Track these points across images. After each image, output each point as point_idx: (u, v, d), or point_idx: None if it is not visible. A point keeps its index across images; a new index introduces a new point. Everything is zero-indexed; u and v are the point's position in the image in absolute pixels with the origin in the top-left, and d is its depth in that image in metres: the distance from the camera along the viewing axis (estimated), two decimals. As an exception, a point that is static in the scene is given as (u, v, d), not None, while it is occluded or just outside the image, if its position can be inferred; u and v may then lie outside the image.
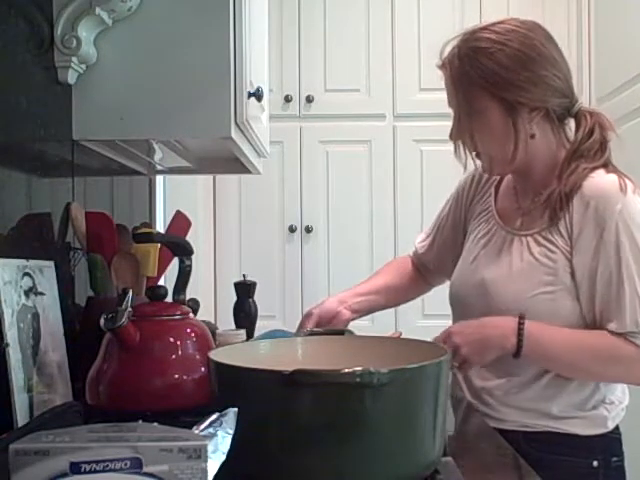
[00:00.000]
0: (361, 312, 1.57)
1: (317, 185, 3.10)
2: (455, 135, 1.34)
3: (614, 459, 1.32)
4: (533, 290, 1.27)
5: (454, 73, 1.32)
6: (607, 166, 1.29)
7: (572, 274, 1.26)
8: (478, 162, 1.37)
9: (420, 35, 3.08)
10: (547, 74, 1.27)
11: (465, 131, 1.32)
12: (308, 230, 3.08)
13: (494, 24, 1.32)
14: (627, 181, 1.26)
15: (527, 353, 1.23)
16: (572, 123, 1.34)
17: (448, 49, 1.34)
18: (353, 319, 1.55)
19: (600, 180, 1.25)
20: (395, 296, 1.64)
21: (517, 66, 1.26)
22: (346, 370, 0.76)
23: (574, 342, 1.25)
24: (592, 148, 1.29)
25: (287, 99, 3.07)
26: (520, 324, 1.23)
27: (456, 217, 1.55)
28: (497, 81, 1.26)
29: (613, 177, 1.26)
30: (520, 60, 1.26)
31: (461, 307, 1.43)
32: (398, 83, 3.09)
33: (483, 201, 1.48)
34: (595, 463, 1.29)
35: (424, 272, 1.66)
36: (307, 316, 1.50)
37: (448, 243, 1.56)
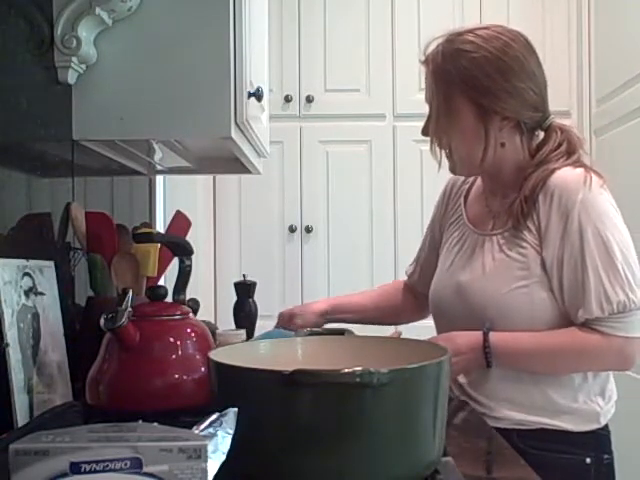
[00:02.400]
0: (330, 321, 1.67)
1: (317, 185, 3.10)
2: (429, 131, 1.37)
3: (605, 457, 1.34)
4: (508, 286, 1.30)
5: (436, 69, 1.33)
6: (575, 163, 1.33)
7: (543, 266, 1.29)
8: (447, 162, 1.42)
9: (420, 35, 3.08)
10: (524, 87, 1.31)
11: (439, 128, 1.34)
12: (308, 230, 3.08)
13: (479, 28, 1.34)
14: (593, 175, 1.29)
15: (499, 364, 1.30)
16: (541, 134, 1.38)
17: (432, 47, 1.36)
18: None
19: (564, 174, 1.29)
20: (381, 315, 1.73)
21: (497, 75, 1.29)
22: (346, 370, 0.75)
23: (542, 345, 1.28)
24: (558, 155, 1.33)
25: (287, 99, 3.07)
26: (485, 340, 1.28)
27: (434, 234, 1.59)
28: (476, 85, 1.30)
29: (579, 171, 1.29)
30: (500, 69, 1.30)
31: (441, 313, 1.45)
32: (398, 83, 3.10)
33: (454, 211, 1.52)
34: (588, 460, 1.31)
35: (417, 296, 1.68)
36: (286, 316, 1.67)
37: (430, 261, 1.58)
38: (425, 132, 1.39)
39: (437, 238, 1.57)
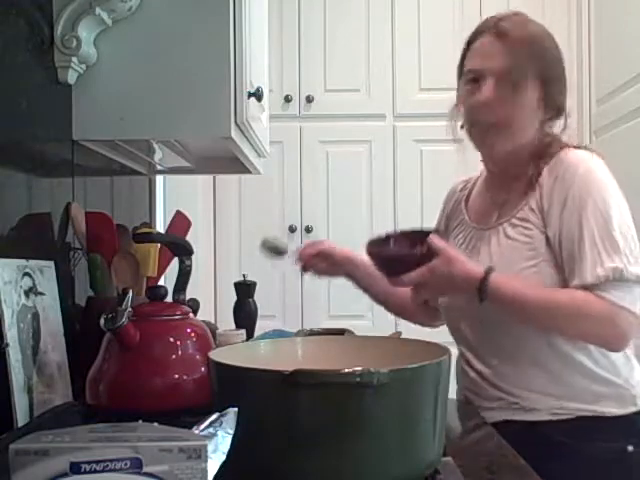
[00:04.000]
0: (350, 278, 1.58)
1: (317, 185, 3.10)
2: (484, 97, 1.31)
3: None
4: (518, 265, 1.29)
5: (515, 40, 1.32)
6: (580, 147, 1.35)
7: (548, 244, 1.29)
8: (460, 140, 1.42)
9: (420, 35, 3.08)
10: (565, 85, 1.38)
11: (500, 98, 1.31)
12: (308, 230, 3.08)
13: (531, 20, 1.38)
14: (596, 157, 1.31)
15: (492, 300, 1.23)
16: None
17: (507, 21, 1.35)
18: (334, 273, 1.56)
19: (568, 154, 1.31)
20: (390, 294, 1.59)
21: (563, 67, 1.36)
22: (346, 370, 0.76)
23: (541, 295, 1.25)
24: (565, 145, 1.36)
25: (287, 99, 3.07)
26: (487, 272, 1.23)
27: None
28: (550, 70, 1.33)
29: (582, 152, 1.31)
30: (564, 63, 1.37)
31: (453, 310, 1.43)
32: (398, 83, 3.09)
33: (455, 217, 1.52)
34: (630, 447, 1.27)
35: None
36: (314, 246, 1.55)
37: None
38: (479, 101, 1.32)
39: None
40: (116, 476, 0.54)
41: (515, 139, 1.34)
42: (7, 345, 1.02)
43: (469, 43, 1.37)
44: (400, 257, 1.28)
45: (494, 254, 1.34)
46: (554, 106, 1.35)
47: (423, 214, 2.99)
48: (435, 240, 1.24)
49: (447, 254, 1.22)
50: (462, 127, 1.40)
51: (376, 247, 1.33)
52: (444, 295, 1.36)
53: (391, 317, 3.07)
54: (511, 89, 1.30)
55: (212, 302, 3.01)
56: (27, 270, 1.13)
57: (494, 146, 1.36)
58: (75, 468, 0.54)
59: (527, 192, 1.32)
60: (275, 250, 1.55)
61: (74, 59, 1.32)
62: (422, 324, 1.66)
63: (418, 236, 1.28)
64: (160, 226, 2.14)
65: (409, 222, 3.02)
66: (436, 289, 1.27)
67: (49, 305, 1.19)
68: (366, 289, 1.59)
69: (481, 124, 1.34)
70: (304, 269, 1.54)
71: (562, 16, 3.10)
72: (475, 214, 1.47)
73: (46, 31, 1.30)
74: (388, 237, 1.35)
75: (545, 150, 1.33)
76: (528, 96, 1.31)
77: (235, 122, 1.41)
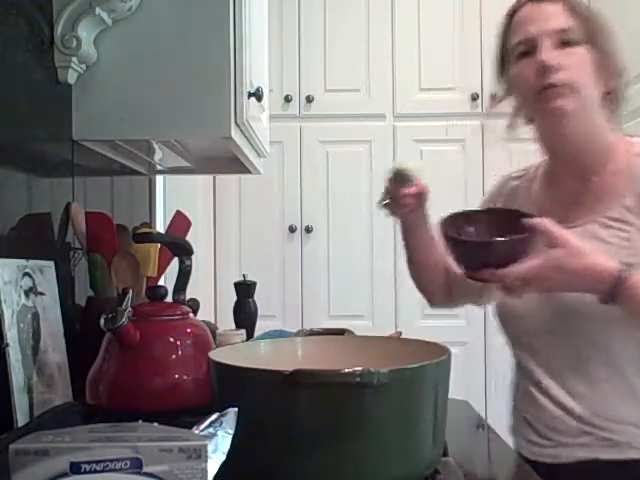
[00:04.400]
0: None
1: (317, 185, 3.10)
2: (547, 59, 1.15)
3: None
4: None
5: (569, 2, 1.20)
6: None
7: None
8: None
9: (420, 35, 3.08)
10: None
11: (562, 57, 1.15)
12: (308, 230, 3.08)
13: None
14: None
15: (628, 299, 1.03)
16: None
17: None
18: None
19: None
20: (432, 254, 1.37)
21: (615, 51, 1.24)
22: (346, 370, 0.75)
23: None
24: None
25: (287, 99, 3.07)
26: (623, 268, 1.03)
27: None
28: (605, 41, 1.21)
29: None
30: (615, 50, 1.25)
31: (529, 320, 1.20)
32: (398, 83, 3.09)
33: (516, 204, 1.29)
34: None
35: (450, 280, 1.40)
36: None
37: None
38: (539, 60, 1.15)
39: None
40: (116, 476, 0.54)
41: (587, 107, 1.16)
42: (7, 345, 1.02)
43: (510, 17, 1.23)
44: (499, 245, 1.02)
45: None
46: (609, 84, 1.20)
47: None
48: (550, 225, 1.04)
49: (574, 244, 1.03)
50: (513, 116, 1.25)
51: (455, 229, 1.10)
52: (555, 292, 1.12)
53: (391, 317, 3.09)
54: (572, 51, 1.16)
55: (212, 302, 3.01)
56: (27, 270, 1.13)
57: (566, 111, 1.14)
58: (75, 468, 0.54)
59: (617, 188, 1.15)
60: (402, 179, 1.27)
61: (74, 59, 1.32)
62: (439, 306, 1.49)
63: (506, 217, 1.10)
64: (160, 226, 2.14)
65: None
66: (550, 286, 1.06)
67: (49, 305, 1.19)
68: (416, 247, 1.37)
69: (548, 92, 1.14)
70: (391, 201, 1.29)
71: (562, 16, 3.09)
72: (542, 211, 1.21)
73: (46, 31, 1.29)
74: (466, 216, 1.14)
75: (621, 141, 1.21)
76: (588, 60, 1.17)
77: (235, 122, 1.41)
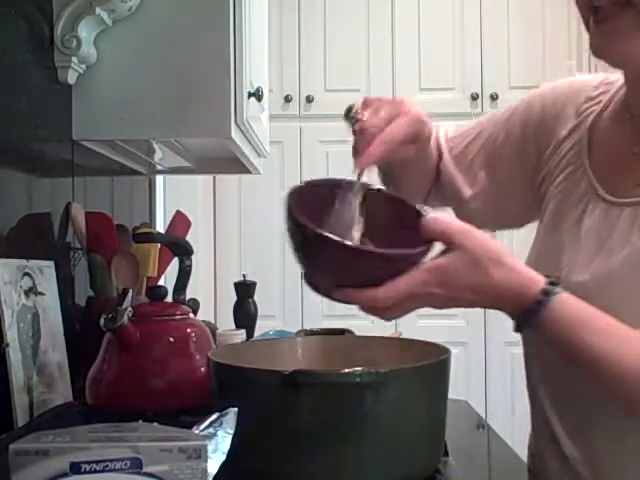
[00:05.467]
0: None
1: (317, 185, 3.10)
2: None
3: None
4: None
5: None
6: None
7: None
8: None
9: (420, 35, 3.08)
10: None
11: None
12: (308, 230, 3.07)
13: None
14: None
15: (544, 331, 0.76)
16: None
17: None
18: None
19: None
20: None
21: None
22: (346, 370, 0.76)
23: (616, 339, 0.75)
24: None
25: (287, 99, 3.07)
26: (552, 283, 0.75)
27: (525, 146, 0.97)
28: None
29: None
30: None
31: (536, 361, 0.95)
32: (398, 83, 3.09)
33: (567, 152, 0.92)
34: None
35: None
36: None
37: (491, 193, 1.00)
38: None
39: (529, 160, 0.97)
40: (116, 476, 0.54)
41: None
42: (7, 345, 1.02)
43: None
44: (380, 258, 0.71)
45: (616, 260, 0.80)
46: None
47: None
48: (448, 221, 0.75)
49: (479, 250, 0.73)
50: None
51: (314, 209, 0.77)
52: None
53: (391, 317, 3.08)
54: None
55: (212, 302, 3.01)
56: (27, 270, 1.13)
57: (620, 33, 0.79)
58: (75, 468, 0.54)
59: None
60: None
61: (74, 59, 1.31)
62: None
63: (395, 204, 0.80)
64: (160, 226, 2.14)
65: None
66: (441, 305, 0.77)
67: (49, 305, 1.19)
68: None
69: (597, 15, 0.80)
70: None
71: (562, 16, 3.09)
72: (600, 164, 0.88)
73: (46, 31, 1.29)
74: (337, 188, 0.80)
75: None
76: None
77: (235, 122, 1.41)
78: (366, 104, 0.89)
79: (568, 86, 0.96)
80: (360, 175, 0.83)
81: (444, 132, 1.07)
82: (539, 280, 0.75)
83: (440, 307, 0.77)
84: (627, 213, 0.81)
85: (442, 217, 0.75)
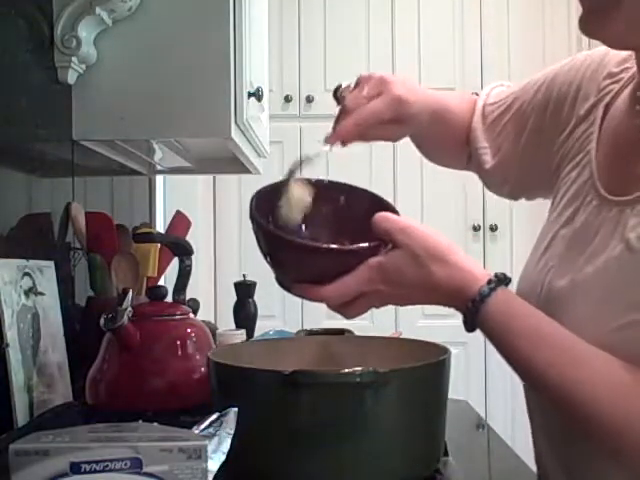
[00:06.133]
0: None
1: (317, 185, 3.10)
2: None
3: None
4: (627, 314, 0.69)
5: None
6: None
7: None
8: None
9: (420, 35, 3.08)
10: None
11: None
12: (308, 230, 3.07)
13: None
14: None
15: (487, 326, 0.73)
16: None
17: None
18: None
19: None
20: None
21: None
22: (346, 370, 0.76)
23: (566, 344, 0.70)
24: None
25: (287, 99, 3.07)
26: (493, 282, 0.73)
27: (544, 125, 0.90)
28: None
29: None
30: None
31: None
32: (398, 83, 3.09)
33: (583, 132, 0.84)
34: None
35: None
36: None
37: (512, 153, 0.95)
38: None
39: (547, 140, 0.89)
40: (116, 476, 0.54)
41: None
42: (7, 345, 1.02)
43: None
44: (329, 254, 0.73)
45: (595, 267, 0.74)
46: None
47: (423, 214, 2.99)
48: (392, 219, 0.77)
49: (423, 247, 0.73)
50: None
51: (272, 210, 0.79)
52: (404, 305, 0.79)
53: (391, 317, 3.08)
54: None
55: (212, 302, 3.01)
56: (27, 270, 1.13)
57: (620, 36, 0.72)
58: (75, 468, 0.54)
59: None
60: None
61: (74, 59, 1.31)
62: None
63: (362, 200, 0.85)
64: (160, 226, 2.14)
65: (409, 222, 3.02)
66: (392, 302, 0.77)
67: (49, 305, 1.19)
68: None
69: None
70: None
71: (562, 16, 3.09)
72: (605, 156, 0.80)
73: (46, 31, 1.29)
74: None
75: None
76: None
77: (235, 122, 1.41)
78: (358, 83, 0.90)
79: (592, 58, 0.87)
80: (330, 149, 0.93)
81: (486, 95, 1.01)
82: (480, 279, 0.73)
83: (396, 304, 0.78)
84: (614, 213, 0.74)
85: (388, 215, 0.77)
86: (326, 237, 0.81)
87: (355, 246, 0.75)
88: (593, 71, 0.86)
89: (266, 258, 0.78)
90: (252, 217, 0.77)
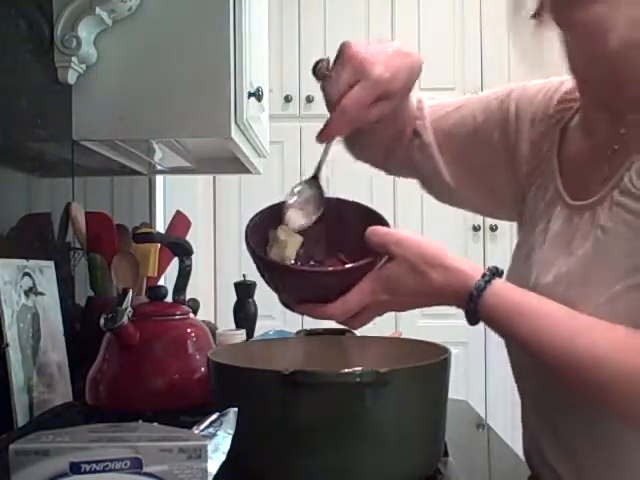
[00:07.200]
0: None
1: (317, 185, 3.10)
2: None
3: None
4: (610, 288, 0.75)
5: None
6: None
7: None
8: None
9: (420, 35, 3.08)
10: None
11: None
12: (308, 230, 3.07)
13: None
14: None
15: (489, 318, 0.80)
16: None
17: None
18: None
19: None
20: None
21: None
22: (346, 370, 0.76)
23: (571, 325, 0.75)
24: None
25: (287, 99, 3.07)
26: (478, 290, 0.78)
27: (502, 143, 0.96)
28: None
29: None
30: None
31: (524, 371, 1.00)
32: (398, 83, 3.09)
33: (541, 155, 0.93)
34: None
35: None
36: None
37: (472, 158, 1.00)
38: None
39: (507, 153, 0.96)
40: (116, 476, 0.54)
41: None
42: (7, 345, 1.02)
43: None
44: (324, 277, 0.78)
45: (577, 257, 0.81)
46: None
47: (423, 214, 2.99)
48: (385, 232, 0.80)
49: (418, 256, 0.78)
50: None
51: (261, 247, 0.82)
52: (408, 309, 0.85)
53: (391, 317, 3.08)
54: None
55: (212, 302, 3.01)
56: (27, 270, 1.13)
57: (598, 22, 0.74)
58: (75, 468, 0.54)
59: None
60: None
61: (74, 59, 1.31)
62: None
63: (357, 211, 0.86)
64: (160, 226, 2.14)
65: (409, 222, 3.02)
66: (396, 309, 0.85)
67: (49, 305, 1.19)
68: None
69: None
70: None
71: (562, 16, 3.09)
72: (568, 170, 0.88)
73: (46, 31, 1.29)
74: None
75: None
76: None
77: (235, 122, 1.41)
78: (338, 56, 0.94)
79: (540, 87, 0.96)
80: (327, 149, 0.97)
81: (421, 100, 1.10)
82: (474, 275, 0.79)
83: (399, 310, 0.85)
84: (588, 216, 0.82)
85: (380, 229, 0.81)
86: (321, 254, 0.86)
87: (355, 264, 0.79)
88: (542, 98, 0.94)
89: (268, 284, 0.83)
90: (248, 246, 0.81)
